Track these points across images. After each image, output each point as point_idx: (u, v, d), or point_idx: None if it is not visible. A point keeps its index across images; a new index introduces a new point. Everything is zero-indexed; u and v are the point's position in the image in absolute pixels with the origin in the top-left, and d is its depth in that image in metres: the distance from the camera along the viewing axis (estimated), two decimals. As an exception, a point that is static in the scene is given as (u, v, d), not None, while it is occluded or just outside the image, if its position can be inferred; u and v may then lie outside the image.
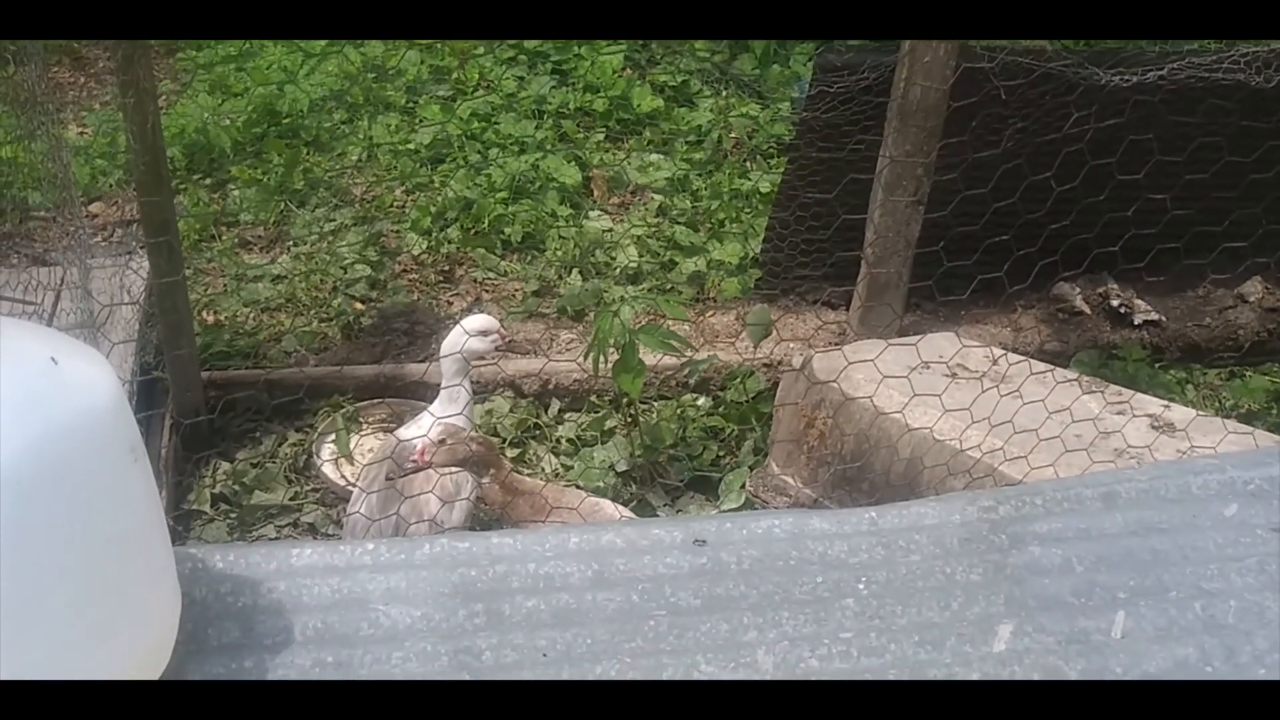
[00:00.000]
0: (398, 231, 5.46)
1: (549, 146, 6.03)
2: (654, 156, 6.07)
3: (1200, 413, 3.73)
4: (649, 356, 4.16)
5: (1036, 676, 1.53)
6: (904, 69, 4.15)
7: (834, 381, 3.66)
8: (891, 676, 1.51)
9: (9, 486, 1.18)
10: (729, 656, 1.52)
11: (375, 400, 4.45)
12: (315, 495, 4.17)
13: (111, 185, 5.65)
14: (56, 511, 1.24)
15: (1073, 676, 1.53)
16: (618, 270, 5.28)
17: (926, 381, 3.60)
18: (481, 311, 4.60)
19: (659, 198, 5.77)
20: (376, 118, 6.23)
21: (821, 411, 3.77)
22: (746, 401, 4.55)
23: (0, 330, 1.29)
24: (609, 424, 4.46)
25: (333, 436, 4.28)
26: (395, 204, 5.71)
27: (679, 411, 4.53)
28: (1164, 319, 5.07)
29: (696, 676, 1.50)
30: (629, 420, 4.39)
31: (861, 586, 1.63)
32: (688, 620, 1.57)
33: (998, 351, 3.90)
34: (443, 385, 3.60)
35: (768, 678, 1.50)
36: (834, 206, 4.29)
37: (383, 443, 3.79)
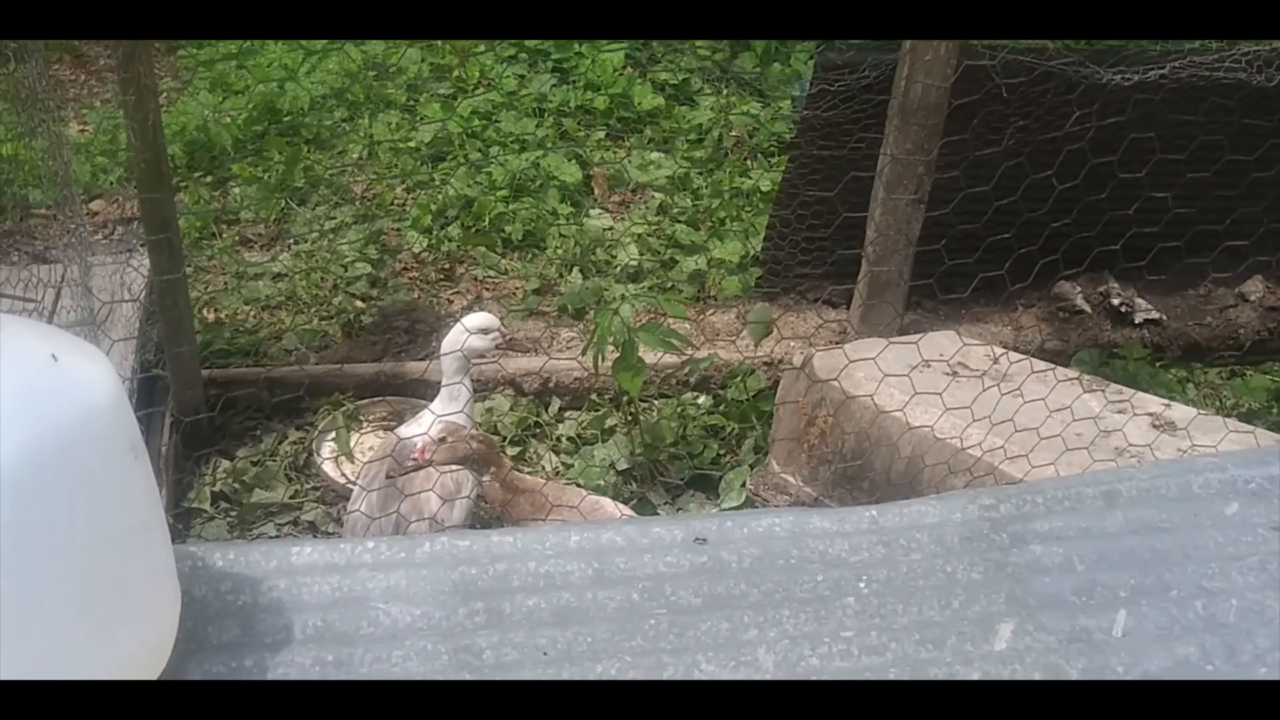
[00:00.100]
0: (398, 229, 5.46)
1: (550, 144, 6.03)
2: (655, 155, 6.06)
3: (1201, 411, 3.72)
4: (649, 355, 4.16)
5: (1037, 675, 1.52)
6: (905, 67, 4.14)
7: (835, 380, 3.66)
8: (892, 675, 1.51)
9: (9, 484, 1.18)
10: (730, 655, 1.52)
11: (375, 398, 4.45)
12: (315, 493, 4.17)
13: (112, 183, 5.65)
14: (56, 509, 1.23)
15: (1074, 675, 1.53)
16: (618, 268, 5.28)
17: (927, 380, 3.60)
18: (482, 309, 4.60)
19: (660, 196, 5.77)
20: (377, 116, 6.23)
21: (822, 410, 3.77)
22: (747, 400, 4.55)
23: (0, 327, 1.29)
24: (609, 422, 4.46)
25: (333, 434, 4.28)
26: (396, 202, 5.71)
27: (679, 410, 4.53)
28: (1165, 318, 5.07)
29: (697, 675, 1.50)
30: (629, 418, 4.38)
31: (862, 585, 1.63)
32: (688, 619, 1.57)
33: (998, 350, 3.90)
34: (443, 383, 3.60)
35: (768, 676, 1.50)
36: (835, 205, 4.29)
37: (383, 441, 3.79)
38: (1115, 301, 5.02)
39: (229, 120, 6.02)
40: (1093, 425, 3.43)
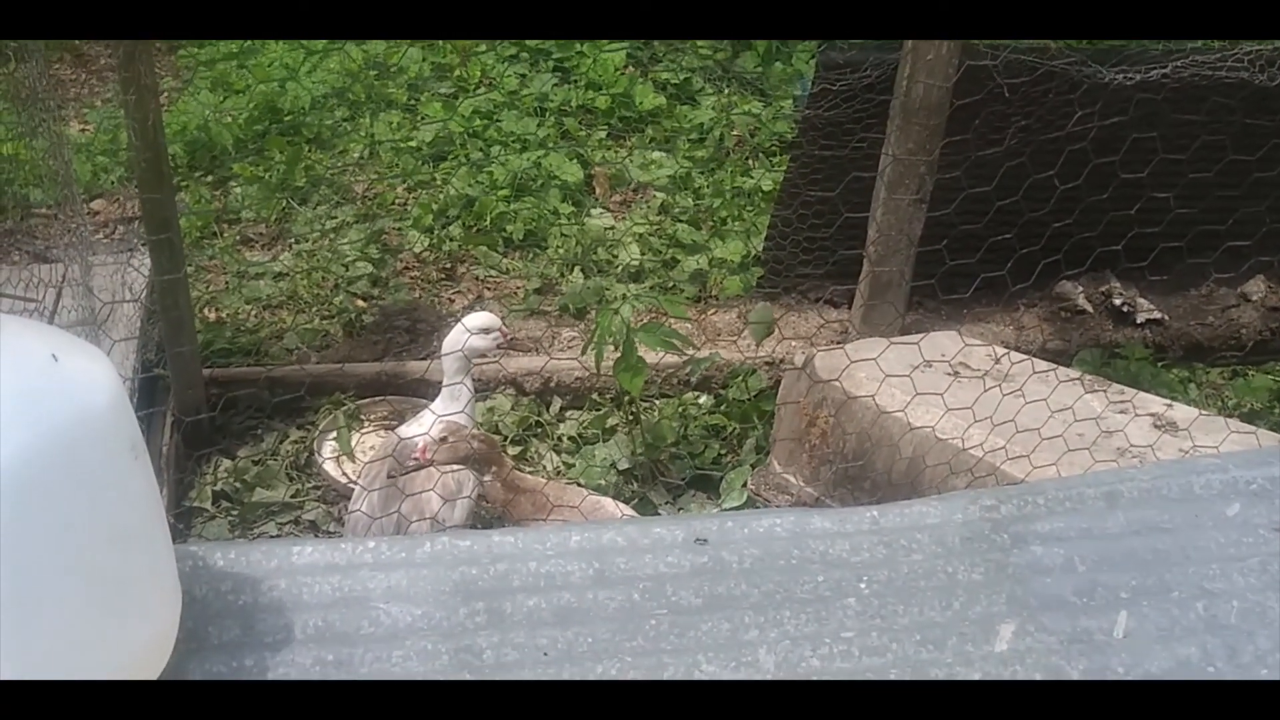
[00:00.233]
0: (399, 229, 5.46)
1: (551, 144, 6.03)
2: (656, 154, 6.06)
3: (1203, 412, 3.72)
4: (650, 354, 4.16)
5: (1038, 676, 1.52)
6: (907, 66, 4.14)
7: (836, 380, 3.66)
8: (893, 676, 1.51)
9: (9, 484, 1.18)
10: (730, 655, 1.52)
11: (377, 398, 4.45)
12: (317, 493, 4.17)
13: (113, 182, 5.65)
14: (57, 509, 1.23)
15: (1075, 676, 1.52)
16: (619, 268, 5.27)
17: (929, 380, 3.59)
18: (483, 309, 4.60)
19: (661, 195, 5.77)
20: (378, 115, 6.23)
21: (823, 410, 3.77)
22: (748, 400, 4.55)
23: (1, 327, 1.29)
24: (610, 422, 4.46)
25: (334, 434, 4.28)
26: (397, 201, 5.71)
27: (680, 410, 4.52)
28: (1167, 318, 5.07)
29: (698, 676, 1.50)
30: (630, 418, 4.38)
31: (863, 586, 1.63)
32: (689, 619, 1.57)
33: (1000, 350, 3.90)
34: (444, 383, 3.60)
35: (769, 677, 1.50)
36: (836, 204, 4.28)
37: (384, 440, 3.79)
38: (1117, 301, 5.01)
39: (230, 120, 6.02)
40: (1094, 426, 3.43)
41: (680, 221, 5.56)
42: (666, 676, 1.49)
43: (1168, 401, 3.71)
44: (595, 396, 4.60)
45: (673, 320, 4.70)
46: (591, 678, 1.48)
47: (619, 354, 3.97)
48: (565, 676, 1.48)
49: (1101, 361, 4.83)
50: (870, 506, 1.76)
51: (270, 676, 1.45)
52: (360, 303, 4.99)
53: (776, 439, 4.07)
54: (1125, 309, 5.02)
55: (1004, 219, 4.05)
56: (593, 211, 5.65)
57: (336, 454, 4.22)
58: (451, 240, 5.40)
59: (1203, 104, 4.33)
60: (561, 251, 5.36)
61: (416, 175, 5.81)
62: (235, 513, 4.04)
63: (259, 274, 5.09)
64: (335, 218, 5.48)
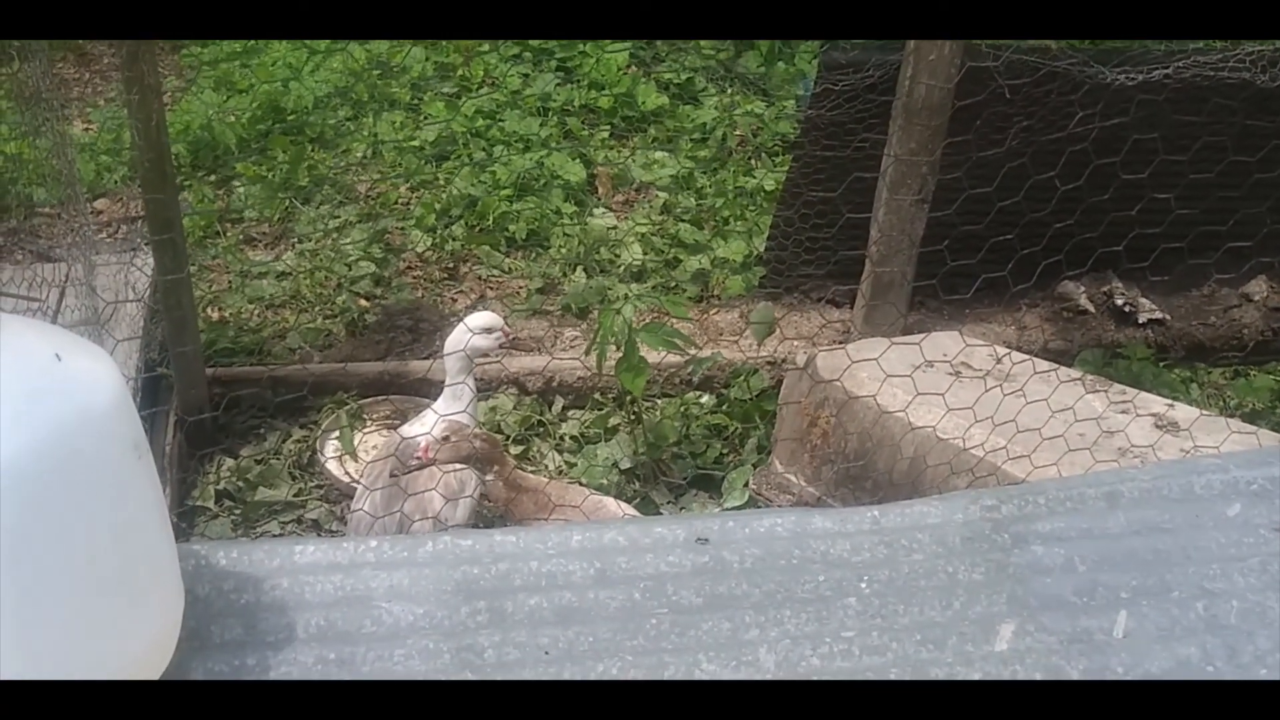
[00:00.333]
0: (402, 229, 5.46)
1: (554, 144, 6.03)
2: (659, 154, 6.06)
3: (1204, 412, 3.72)
4: (652, 354, 4.16)
5: (1038, 676, 1.53)
6: (909, 67, 4.14)
7: (837, 380, 3.66)
8: (893, 675, 1.51)
9: (12, 483, 1.18)
10: (731, 655, 1.53)
11: (379, 397, 4.45)
12: (319, 492, 4.17)
13: (116, 182, 5.65)
14: (59, 508, 1.24)
15: (1074, 676, 1.53)
16: (622, 268, 5.28)
17: (930, 380, 3.60)
18: (485, 309, 4.60)
19: (663, 195, 5.77)
20: (381, 115, 6.23)
21: (825, 410, 3.77)
22: (750, 399, 4.55)
23: (3, 327, 1.29)
24: (612, 421, 4.46)
25: (337, 433, 4.28)
26: (400, 201, 5.71)
27: (682, 409, 4.53)
28: (1168, 318, 5.06)
29: (698, 675, 1.50)
30: (632, 418, 4.39)
31: (864, 585, 1.63)
32: (690, 619, 1.57)
33: (1001, 350, 3.90)
34: (446, 382, 3.61)
35: (769, 676, 1.51)
36: (838, 205, 4.28)
37: (386, 440, 3.79)
38: (1119, 301, 5.01)
39: (233, 119, 6.03)
40: (1095, 426, 3.43)
41: (682, 221, 5.56)
42: (667, 676, 1.50)
43: (1169, 401, 3.71)
44: (597, 396, 4.60)
45: (675, 320, 4.70)
46: (593, 677, 1.49)
47: (621, 354, 3.97)
48: (566, 676, 1.49)
49: (1103, 361, 4.83)
50: (871, 506, 1.76)
51: (272, 675, 1.45)
52: (363, 302, 4.99)
53: (778, 439, 4.07)
54: (1127, 309, 5.02)
55: (1005, 219, 4.06)
56: (595, 211, 5.66)
57: (339, 453, 4.23)
58: (454, 240, 5.40)
59: (1204, 105, 4.33)
60: (564, 251, 5.36)
61: (419, 175, 5.81)
62: (238, 512, 4.05)
63: (262, 273, 5.10)
64: (338, 217, 5.48)
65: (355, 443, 4.24)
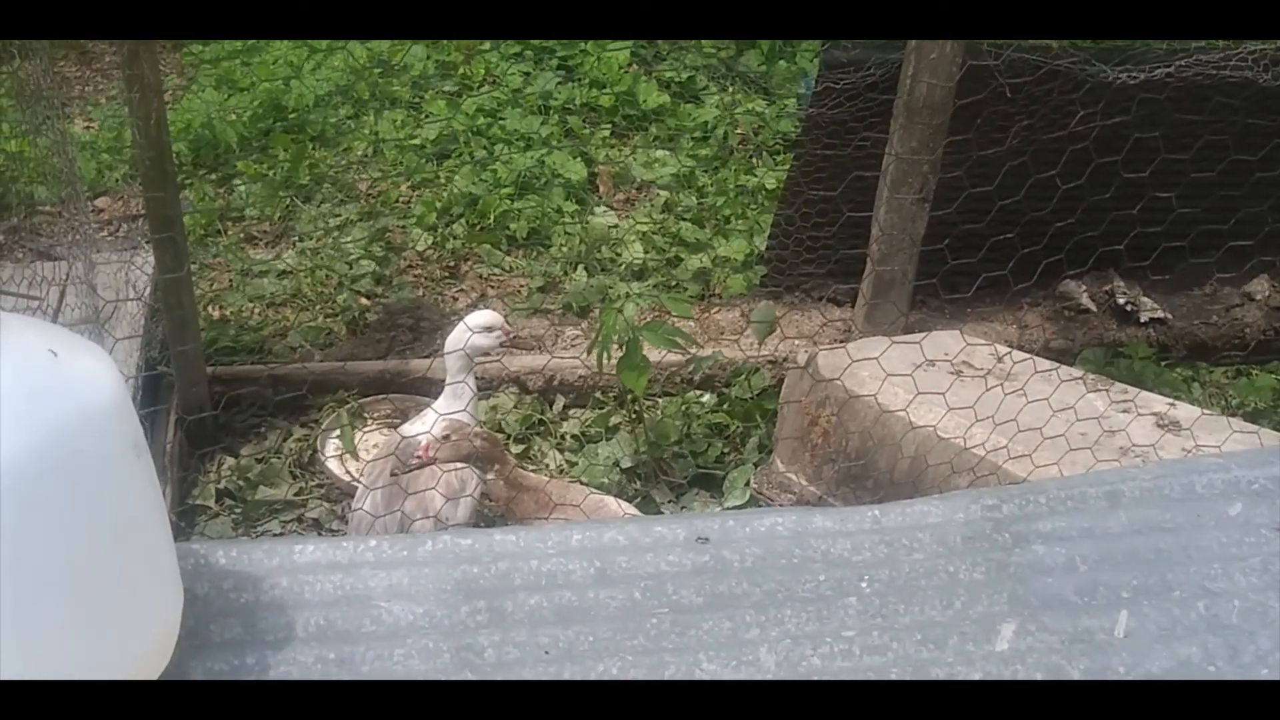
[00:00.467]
0: (403, 227, 5.46)
1: (555, 142, 6.03)
2: (660, 153, 6.06)
3: (1205, 411, 3.72)
4: (653, 353, 4.16)
5: (1039, 676, 1.52)
6: (910, 66, 4.14)
7: (838, 379, 3.66)
8: (894, 675, 1.51)
9: (10, 482, 1.18)
10: (731, 654, 1.52)
11: (380, 396, 4.45)
12: (320, 491, 4.17)
13: (117, 180, 5.65)
14: (58, 507, 1.24)
15: (1075, 676, 1.52)
16: (623, 266, 5.28)
17: (931, 379, 3.59)
18: (486, 307, 4.60)
19: (665, 194, 5.76)
20: (382, 113, 6.23)
21: (826, 409, 3.77)
22: (751, 398, 4.55)
23: (2, 326, 1.29)
24: (613, 420, 4.46)
25: (337, 432, 4.28)
26: (400, 200, 5.71)
27: (683, 408, 4.52)
28: (1170, 317, 5.06)
29: (699, 674, 1.50)
30: (633, 417, 4.38)
31: (864, 585, 1.63)
32: (690, 618, 1.57)
33: (1002, 349, 3.90)
34: (447, 381, 3.61)
35: (770, 676, 1.50)
36: (839, 203, 4.28)
37: (387, 438, 3.79)
38: (1121, 300, 5.01)
39: (234, 118, 6.03)
40: (1097, 425, 3.43)
41: (683, 220, 5.56)
42: (667, 675, 1.49)
43: (1170, 401, 3.71)
44: (598, 395, 4.60)
45: (676, 319, 4.70)
46: (593, 676, 1.48)
47: (623, 353, 3.97)
48: (566, 675, 1.48)
49: (1105, 361, 4.82)
50: (872, 506, 1.76)
51: (272, 674, 1.45)
52: (364, 301, 4.99)
53: (779, 438, 4.07)
54: (1129, 308, 5.01)
55: (1006, 218, 4.05)
56: (596, 210, 5.65)
57: (340, 452, 4.22)
58: (455, 238, 5.40)
59: (1205, 103, 4.33)
60: (565, 250, 5.36)
61: (420, 173, 5.81)
62: (238, 511, 4.05)
63: (263, 272, 5.10)
64: (339, 216, 5.48)
65: (356, 441, 4.24)
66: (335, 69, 6.47)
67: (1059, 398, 3.46)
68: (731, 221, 5.56)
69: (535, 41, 6.59)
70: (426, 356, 4.59)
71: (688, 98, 6.56)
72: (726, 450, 4.41)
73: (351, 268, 5.12)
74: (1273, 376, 4.99)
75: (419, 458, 3.26)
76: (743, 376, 4.62)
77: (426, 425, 3.41)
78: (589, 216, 5.59)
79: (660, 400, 4.60)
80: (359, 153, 6.01)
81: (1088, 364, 4.65)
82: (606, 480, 4.13)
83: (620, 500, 3.54)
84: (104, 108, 6.31)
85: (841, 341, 4.58)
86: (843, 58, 4.43)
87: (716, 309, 5.10)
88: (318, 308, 4.94)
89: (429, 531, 2.65)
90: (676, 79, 6.61)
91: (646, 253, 5.34)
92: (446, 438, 3.27)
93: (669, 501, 4.18)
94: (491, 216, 5.46)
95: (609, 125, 6.31)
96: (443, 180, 5.77)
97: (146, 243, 4.19)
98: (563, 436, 4.45)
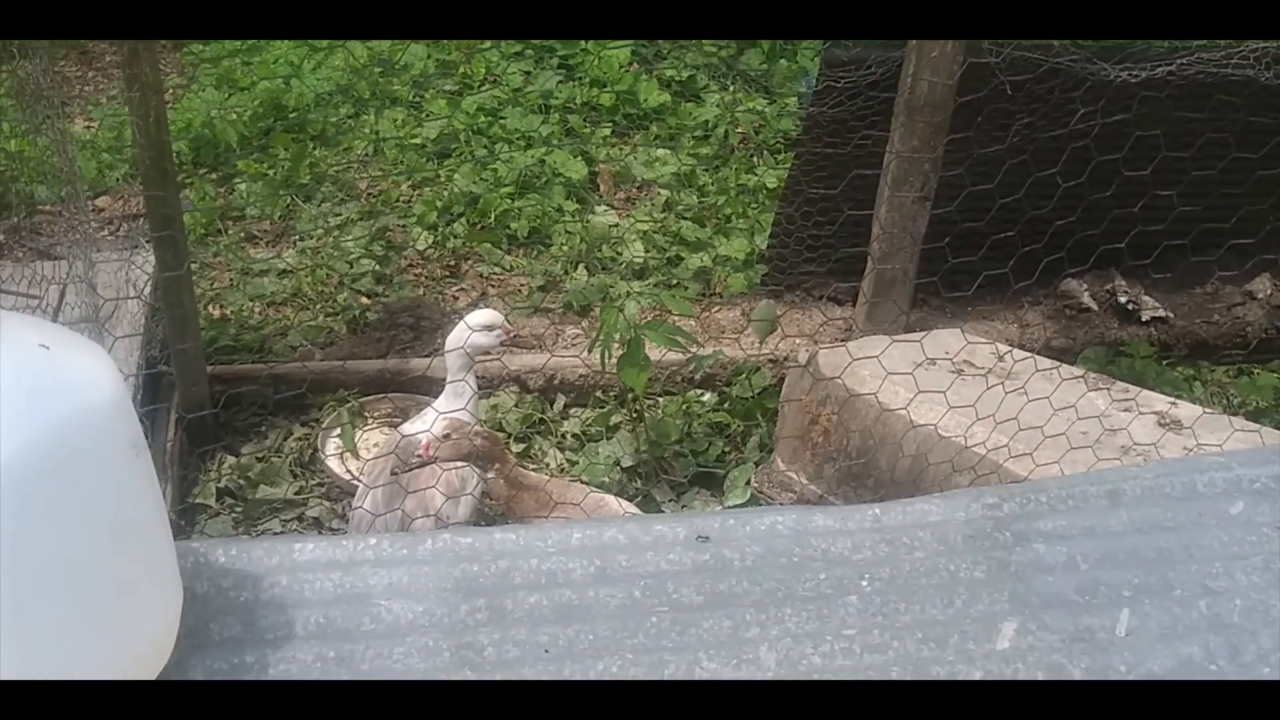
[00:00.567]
0: (403, 226, 5.46)
1: (555, 141, 6.02)
2: (660, 151, 6.06)
3: (1207, 410, 3.71)
4: (654, 352, 4.16)
5: (1040, 674, 1.52)
6: (911, 64, 4.13)
7: (839, 377, 3.66)
8: (894, 674, 1.51)
9: (9, 481, 1.18)
10: (731, 653, 1.52)
11: (380, 395, 4.45)
12: (320, 490, 4.17)
13: (118, 180, 5.65)
14: (57, 506, 1.23)
15: (1076, 674, 1.52)
16: (623, 265, 5.27)
17: (932, 378, 3.59)
18: (486, 306, 4.60)
19: (665, 193, 5.76)
20: (382, 112, 6.23)
21: (826, 408, 3.77)
22: (752, 397, 4.54)
23: (2, 324, 1.29)
24: (614, 419, 4.46)
25: (338, 431, 4.28)
26: (401, 199, 5.71)
27: (684, 407, 4.52)
28: (1172, 316, 5.05)
29: (699, 673, 1.49)
30: (634, 416, 4.38)
31: (865, 583, 1.63)
32: (690, 617, 1.56)
33: (1003, 348, 3.89)
34: (447, 380, 3.60)
35: (770, 674, 1.50)
36: (840, 202, 4.28)
37: (387, 437, 3.79)
38: (1122, 299, 5.00)
39: (234, 117, 6.02)
40: (1098, 423, 3.42)
41: (684, 219, 5.56)
42: (667, 674, 1.49)
43: (1172, 400, 3.70)
44: (599, 394, 4.60)
45: (676, 318, 4.70)
46: (592, 675, 1.48)
47: (623, 351, 3.96)
48: (566, 673, 1.48)
49: (1106, 359, 4.82)
50: (872, 504, 1.76)
51: (271, 673, 1.45)
52: (364, 300, 4.99)
53: (780, 437, 4.07)
54: (1130, 307, 5.01)
55: (1007, 216, 4.05)
56: (597, 209, 5.65)
57: (340, 451, 4.22)
58: (455, 237, 5.40)
59: (1207, 101, 4.32)
60: (565, 249, 5.36)
61: (420, 172, 5.81)
62: (239, 510, 4.05)
63: (263, 271, 5.10)
64: (339, 215, 5.48)
65: (356, 440, 4.24)
66: (336, 68, 6.47)
67: (1060, 396, 3.46)
68: (732, 220, 5.55)
69: (536, 40, 6.58)
70: (427, 355, 4.59)
71: (688, 96, 6.56)
72: (727, 449, 4.41)
73: (352, 267, 5.12)
74: (1274, 375, 4.99)
75: (419, 456, 3.26)
76: (743, 375, 4.61)
77: (427, 424, 3.41)
78: (590, 215, 5.59)
79: (661, 399, 4.60)
80: (359, 152, 6.00)
81: (1089, 363, 4.64)
82: (607, 479, 4.13)
83: (621, 499, 3.53)
84: (104, 107, 6.31)
85: (842, 340, 4.58)
86: (843, 56, 4.42)
87: (717, 308, 5.10)
88: (318, 307, 4.94)
89: (429, 530, 2.65)
90: (677, 78, 6.61)
91: (647, 251, 5.34)
92: (447, 436, 3.27)
93: (670, 500, 4.18)
94: (492, 215, 5.46)
95: (610, 124, 6.30)
96: (443, 179, 5.77)
97: (147, 242, 4.19)
98: (563, 435, 4.45)
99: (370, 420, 4.39)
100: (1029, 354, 3.87)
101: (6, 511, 1.17)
